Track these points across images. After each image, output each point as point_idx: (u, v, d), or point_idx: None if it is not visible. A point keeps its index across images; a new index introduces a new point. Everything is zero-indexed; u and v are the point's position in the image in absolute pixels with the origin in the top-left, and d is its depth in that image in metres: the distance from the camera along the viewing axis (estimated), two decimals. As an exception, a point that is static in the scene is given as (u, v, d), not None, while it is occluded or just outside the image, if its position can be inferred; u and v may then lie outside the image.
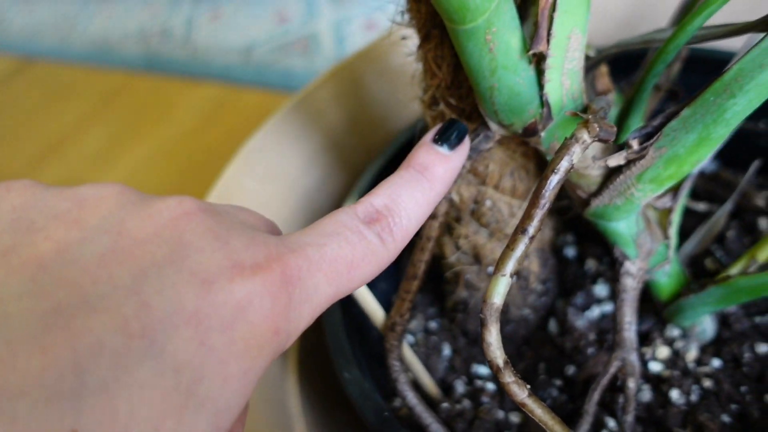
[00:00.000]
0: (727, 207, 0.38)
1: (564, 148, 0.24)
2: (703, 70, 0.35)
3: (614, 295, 0.39)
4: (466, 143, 0.27)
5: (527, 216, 0.24)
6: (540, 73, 0.27)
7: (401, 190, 0.25)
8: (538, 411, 0.25)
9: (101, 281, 0.17)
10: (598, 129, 0.24)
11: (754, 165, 0.38)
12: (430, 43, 0.29)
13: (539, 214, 0.24)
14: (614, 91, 0.36)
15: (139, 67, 1.09)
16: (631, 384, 0.32)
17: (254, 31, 1.03)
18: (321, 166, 0.48)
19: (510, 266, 0.24)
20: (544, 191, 0.24)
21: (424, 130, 0.33)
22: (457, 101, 0.30)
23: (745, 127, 0.42)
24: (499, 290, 0.24)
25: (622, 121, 0.34)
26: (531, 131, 0.29)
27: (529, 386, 0.25)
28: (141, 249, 0.19)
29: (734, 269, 0.33)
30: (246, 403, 0.20)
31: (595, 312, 0.39)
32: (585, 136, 0.24)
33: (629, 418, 0.32)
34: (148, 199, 0.21)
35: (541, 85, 0.27)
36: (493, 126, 0.29)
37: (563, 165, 0.24)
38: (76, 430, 0.15)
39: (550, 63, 0.27)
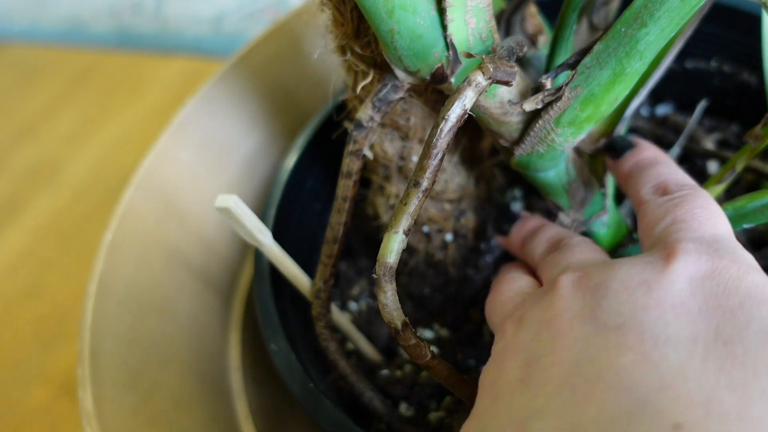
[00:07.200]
0: (675, 151, 0.35)
1: (456, 92, 0.22)
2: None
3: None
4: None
5: (420, 168, 0.22)
6: (442, 12, 0.25)
7: None
8: (444, 372, 0.24)
9: None
10: (492, 70, 0.22)
11: (700, 106, 0.35)
12: (329, -14, 0.27)
13: (432, 165, 0.22)
14: (545, 32, 0.34)
15: (110, 44, 1.07)
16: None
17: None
18: (260, 131, 0.46)
19: (404, 222, 0.22)
20: (435, 140, 0.22)
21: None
22: (363, 49, 0.28)
23: (697, 66, 0.39)
24: (393, 248, 0.23)
25: (550, 62, 0.31)
26: (439, 77, 0.26)
27: (432, 348, 0.24)
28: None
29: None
30: None
31: (540, 268, 0.37)
32: (479, 78, 0.22)
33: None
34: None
35: (444, 26, 0.25)
36: (399, 74, 0.27)
37: (455, 111, 0.22)
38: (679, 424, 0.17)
39: (452, 0, 0.24)
